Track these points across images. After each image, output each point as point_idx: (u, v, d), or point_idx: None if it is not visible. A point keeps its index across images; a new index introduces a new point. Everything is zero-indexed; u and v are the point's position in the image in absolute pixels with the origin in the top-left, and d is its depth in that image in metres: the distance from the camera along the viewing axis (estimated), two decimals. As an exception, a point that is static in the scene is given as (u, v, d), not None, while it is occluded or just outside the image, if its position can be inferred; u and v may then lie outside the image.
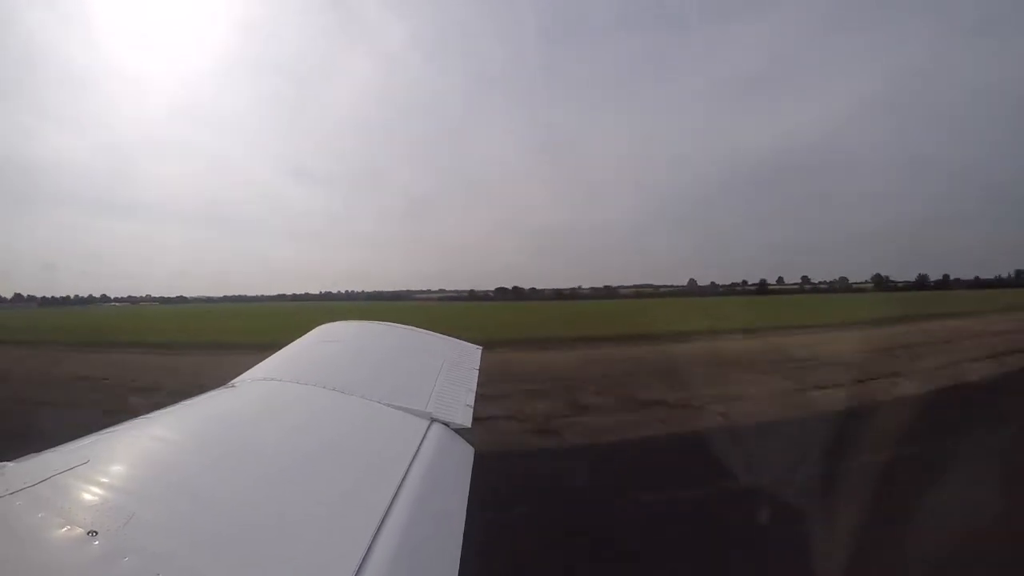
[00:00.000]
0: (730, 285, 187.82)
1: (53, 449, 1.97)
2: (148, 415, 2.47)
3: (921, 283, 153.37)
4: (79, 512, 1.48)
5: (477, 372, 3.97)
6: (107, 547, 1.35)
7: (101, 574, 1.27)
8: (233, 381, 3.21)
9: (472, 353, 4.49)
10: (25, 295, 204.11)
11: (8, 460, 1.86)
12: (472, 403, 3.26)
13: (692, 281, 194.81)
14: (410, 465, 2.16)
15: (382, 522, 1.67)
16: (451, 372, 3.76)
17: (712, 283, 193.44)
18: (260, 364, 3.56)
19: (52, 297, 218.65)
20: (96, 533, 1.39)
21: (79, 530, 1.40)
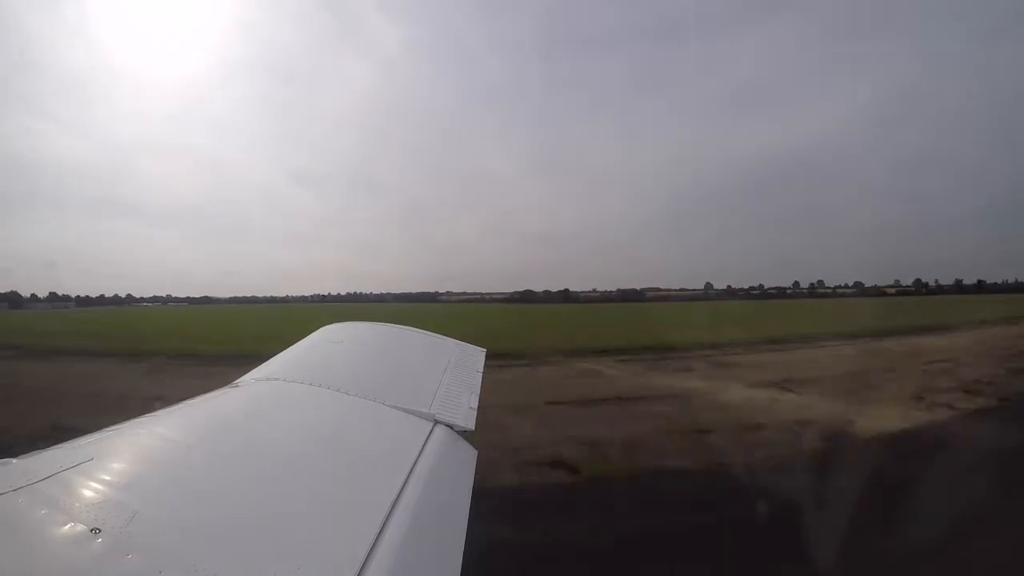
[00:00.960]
0: (747, 289, 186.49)
1: (57, 446, 1.98)
2: (152, 413, 2.47)
3: (959, 286, 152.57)
4: (82, 509, 1.48)
5: (480, 374, 3.96)
6: (110, 544, 1.34)
7: (104, 571, 1.27)
8: (237, 381, 3.22)
9: (476, 355, 4.48)
10: (60, 293, 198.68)
11: (12, 457, 1.86)
12: (475, 405, 3.24)
13: (708, 284, 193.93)
14: (413, 466, 2.16)
15: (385, 522, 1.66)
16: (455, 374, 3.75)
17: (728, 287, 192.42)
18: (264, 364, 3.56)
19: (88, 296, 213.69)
20: (99, 530, 1.39)
21: (82, 527, 1.40)
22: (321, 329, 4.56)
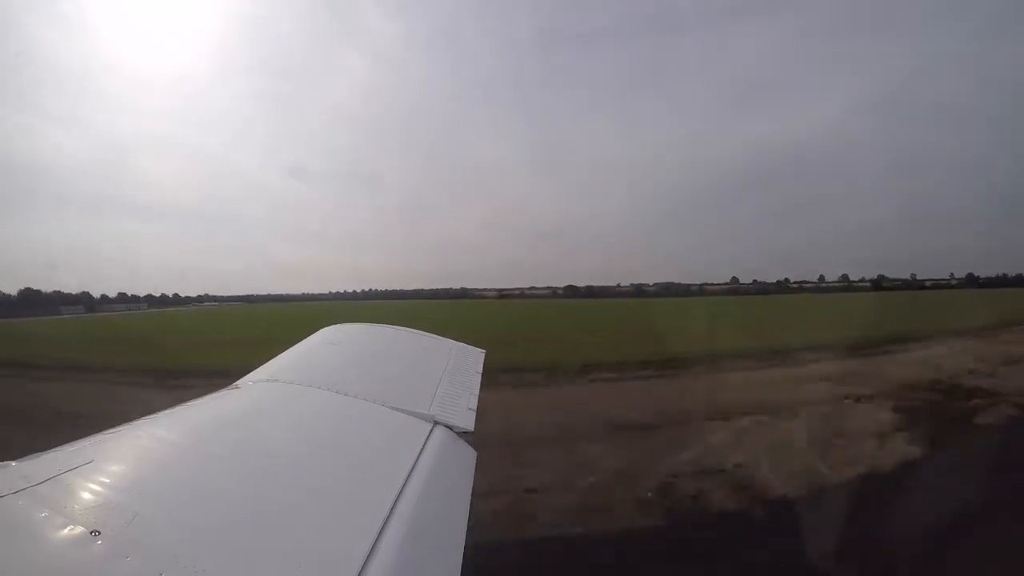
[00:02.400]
0: (776, 283, 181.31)
1: (57, 449, 1.97)
2: (152, 415, 2.48)
3: (973, 279, 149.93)
4: (82, 511, 1.48)
5: (480, 375, 3.97)
6: (110, 546, 1.34)
7: (104, 573, 1.27)
8: (237, 382, 3.22)
9: (475, 356, 4.50)
10: (129, 294, 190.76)
11: (12, 459, 1.86)
12: (475, 406, 3.26)
13: (735, 279, 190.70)
14: (413, 468, 2.16)
15: (385, 524, 1.66)
16: (454, 375, 3.76)
17: (754, 280, 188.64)
18: (263, 366, 3.57)
19: (161, 296, 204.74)
20: (99, 532, 1.39)
21: (82, 529, 1.40)
22: (320, 331, 4.56)
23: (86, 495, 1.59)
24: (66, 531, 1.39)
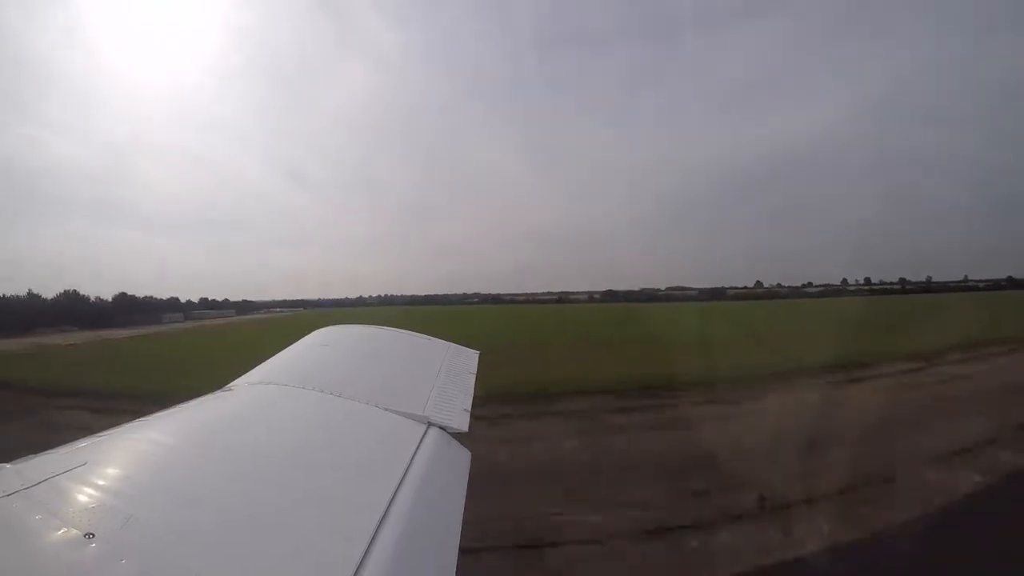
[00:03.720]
0: (801, 286, 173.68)
1: (50, 451, 1.98)
2: (145, 418, 2.48)
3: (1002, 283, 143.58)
4: (76, 514, 1.49)
5: (474, 376, 3.99)
6: (104, 549, 1.35)
7: None
8: (229, 385, 3.22)
9: (469, 357, 4.51)
10: (220, 299, 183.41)
11: (6, 462, 1.86)
12: (469, 407, 3.27)
13: (759, 283, 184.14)
14: (407, 469, 2.18)
15: (379, 525, 1.68)
16: (448, 376, 3.77)
17: (777, 284, 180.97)
18: (256, 368, 3.57)
19: (245, 302, 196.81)
20: (93, 535, 1.40)
21: (76, 532, 1.41)
22: (313, 332, 4.56)
23: (80, 497, 1.60)
24: (60, 533, 1.40)
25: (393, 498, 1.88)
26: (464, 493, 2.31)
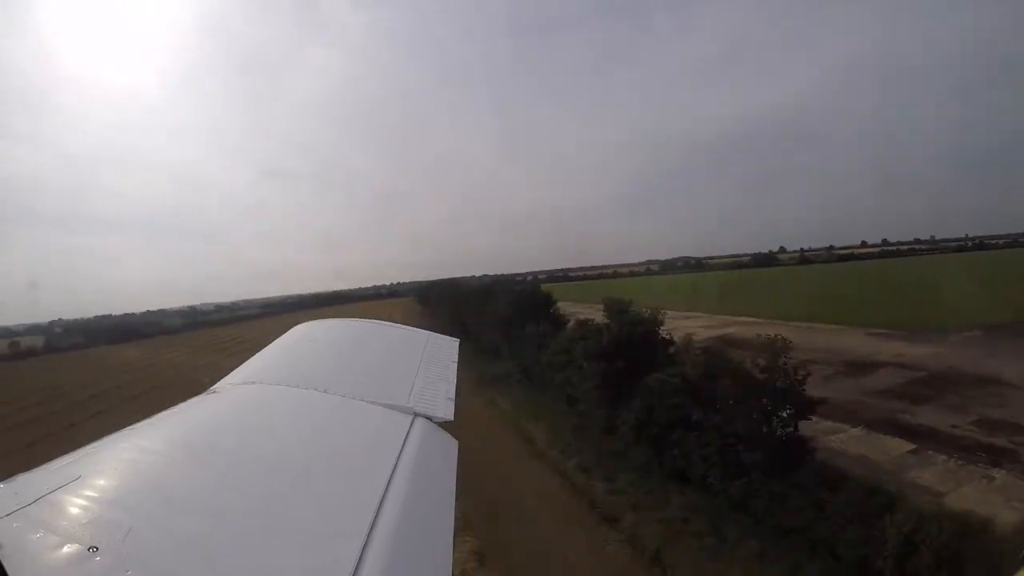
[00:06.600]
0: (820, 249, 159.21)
1: (42, 467, 1.99)
2: (133, 425, 2.48)
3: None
4: (77, 529, 1.52)
5: (456, 364, 4.06)
6: (110, 562, 1.40)
7: None
8: (214, 386, 3.22)
9: (449, 345, 4.56)
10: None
11: None
12: (453, 396, 3.34)
13: (782, 248, 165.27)
14: (397, 461, 2.25)
15: (375, 519, 1.76)
16: (430, 366, 3.83)
17: (802, 248, 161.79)
18: (239, 368, 3.56)
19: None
20: (97, 549, 1.44)
21: (79, 547, 1.44)
22: (295, 328, 4.55)
23: (78, 512, 1.62)
24: (64, 550, 1.44)
25: (385, 492, 1.95)
26: (454, 481, 2.40)
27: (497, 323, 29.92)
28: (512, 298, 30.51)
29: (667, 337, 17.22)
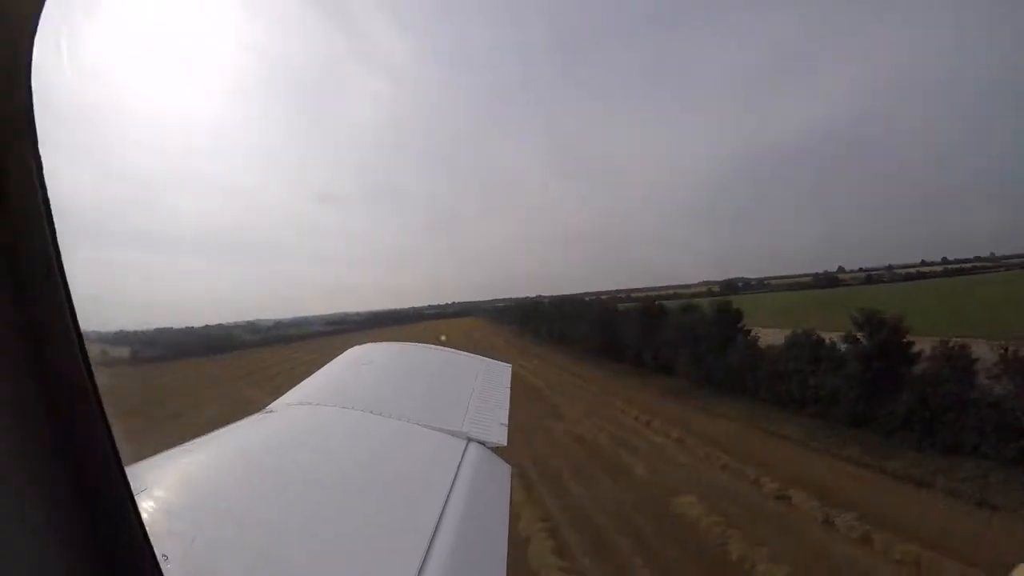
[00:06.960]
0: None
1: None
2: (190, 442, 2.54)
3: None
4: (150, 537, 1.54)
5: (508, 390, 3.99)
6: (182, 572, 1.39)
7: None
8: (270, 405, 3.28)
9: (502, 371, 4.51)
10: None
11: None
12: (506, 421, 3.27)
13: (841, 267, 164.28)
14: (452, 486, 2.19)
15: (430, 545, 1.70)
16: (483, 391, 3.78)
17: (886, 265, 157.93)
18: (294, 389, 3.63)
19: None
20: (167, 558, 1.44)
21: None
22: (350, 350, 4.63)
23: (148, 520, 1.65)
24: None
25: (441, 516, 1.89)
26: (508, 506, 2.32)
27: (680, 339, 31.20)
28: (697, 315, 32.30)
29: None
